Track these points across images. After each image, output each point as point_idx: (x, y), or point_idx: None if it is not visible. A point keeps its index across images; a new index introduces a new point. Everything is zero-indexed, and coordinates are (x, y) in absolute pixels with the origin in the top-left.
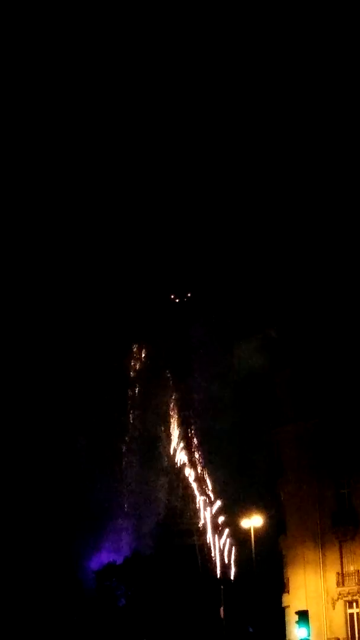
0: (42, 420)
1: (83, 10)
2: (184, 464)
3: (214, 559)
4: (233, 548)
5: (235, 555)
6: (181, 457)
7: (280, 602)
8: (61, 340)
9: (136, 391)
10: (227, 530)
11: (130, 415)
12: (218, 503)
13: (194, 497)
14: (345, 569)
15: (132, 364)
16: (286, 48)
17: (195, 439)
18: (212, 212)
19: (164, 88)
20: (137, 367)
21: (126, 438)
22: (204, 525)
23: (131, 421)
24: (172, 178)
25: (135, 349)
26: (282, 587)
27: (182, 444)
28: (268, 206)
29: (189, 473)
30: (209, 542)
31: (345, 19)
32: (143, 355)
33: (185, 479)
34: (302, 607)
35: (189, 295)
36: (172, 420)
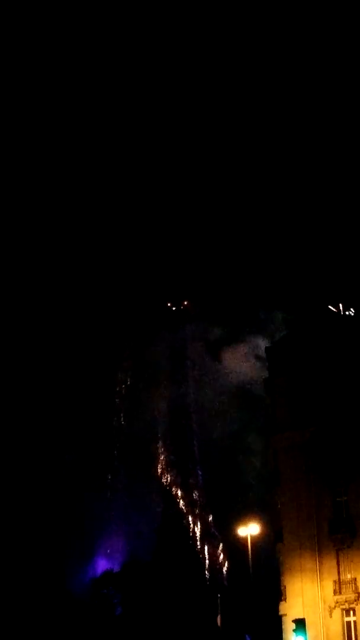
0: (33, 429)
1: (83, 10)
2: (179, 472)
3: (210, 567)
4: (229, 556)
5: (232, 564)
6: (176, 465)
7: (277, 610)
8: (50, 352)
9: (125, 401)
10: (223, 538)
11: (122, 422)
12: (214, 511)
13: (189, 505)
14: (342, 577)
15: (120, 376)
16: (286, 48)
17: (190, 447)
18: (206, 220)
19: (163, 89)
20: (128, 375)
21: (117, 445)
22: (200, 533)
23: (120, 429)
24: (164, 186)
25: (125, 363)
26: (279, 595)
27: (176, 452)
28: (262, 215)
29: (184, 481)
30: (205, 551)
31: (345, 19)
32: (132, 367)
33: (180, 487)
34: (299, 616)
35: (185, 302)
36: (166, 428)
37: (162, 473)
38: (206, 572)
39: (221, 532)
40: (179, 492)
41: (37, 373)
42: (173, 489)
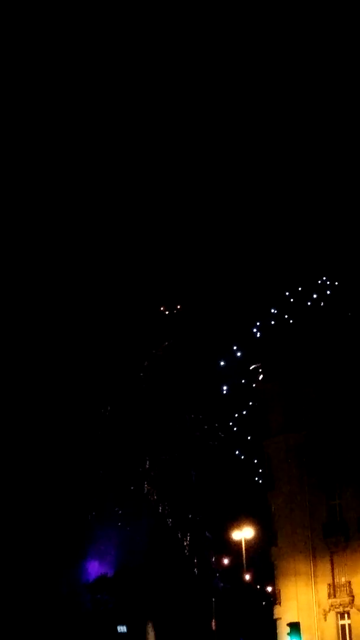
0: (21, 435)
1: (83, 10)
2: (172, 475)
3: (204, 571)
4: (223, 560)
5: (226, 568)
6: (169, 468)
7: (272, 614)
8: (45, 359)
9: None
10: (217, 542)
11: (112, 421)
12: (208, 514)
13: (183, 509)
14: (336, 581)
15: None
16: (286, 48)
17: (183, 449)
18: (197, 224)
19: (160, 91)
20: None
21: (106, 446)
22: (194, 537)
23: (111, 428)
24: (162, 191)
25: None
26: (273, 599)
27: (169, 455)
28: (255, 218)
29: (177, 484)
30: (199, 554)
31: (345, 19)
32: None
33: (173, 490)
34: (294, 619)
35: (178, 307)
36: (157, 431)
37: (154, 476)
38: (200, 576)
39: (215, 535)
40: (172, 496)
41: (28, 383)
42: (166, 492)
